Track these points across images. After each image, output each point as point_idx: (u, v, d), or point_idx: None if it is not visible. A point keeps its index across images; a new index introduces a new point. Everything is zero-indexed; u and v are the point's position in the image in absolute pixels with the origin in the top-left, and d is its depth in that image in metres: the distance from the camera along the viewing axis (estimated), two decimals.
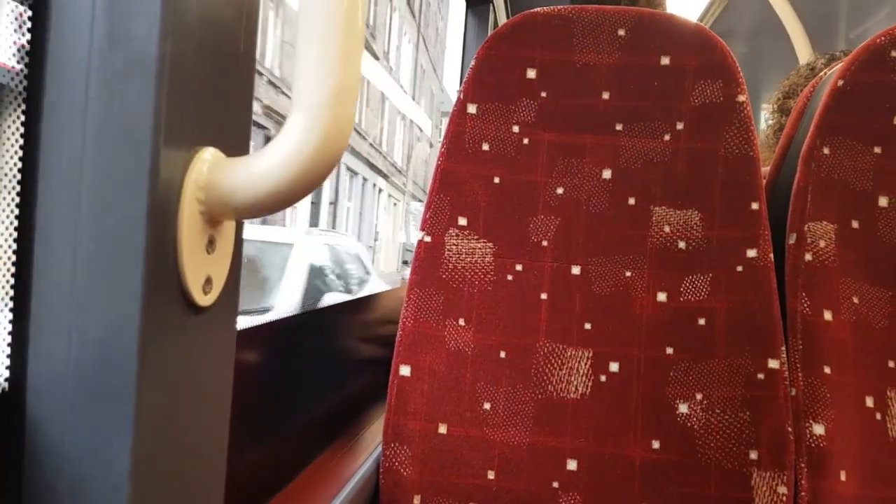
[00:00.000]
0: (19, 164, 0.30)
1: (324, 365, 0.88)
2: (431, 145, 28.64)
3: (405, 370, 0.82)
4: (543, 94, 0.83)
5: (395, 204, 23.67)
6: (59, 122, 0.30)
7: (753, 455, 0.78)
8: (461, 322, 0.83)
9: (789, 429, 0.78)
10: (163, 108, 0.30)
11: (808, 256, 0.83)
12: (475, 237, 0.84)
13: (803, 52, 2.09)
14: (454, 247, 0.84)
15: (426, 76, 27.87)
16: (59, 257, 0.30)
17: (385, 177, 21.14)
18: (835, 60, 1.42)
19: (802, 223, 0.84)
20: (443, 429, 0.81)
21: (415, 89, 25.42)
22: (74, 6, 0.30)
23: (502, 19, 1.96)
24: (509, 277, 0.83)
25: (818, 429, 0.79)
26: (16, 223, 0.30)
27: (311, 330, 0.84)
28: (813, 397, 0.80)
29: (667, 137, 0.82)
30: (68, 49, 0.30)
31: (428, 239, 0.84)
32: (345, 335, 0.98)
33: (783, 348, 0.80)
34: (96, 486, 0.30)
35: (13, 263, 0.31)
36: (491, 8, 1.83)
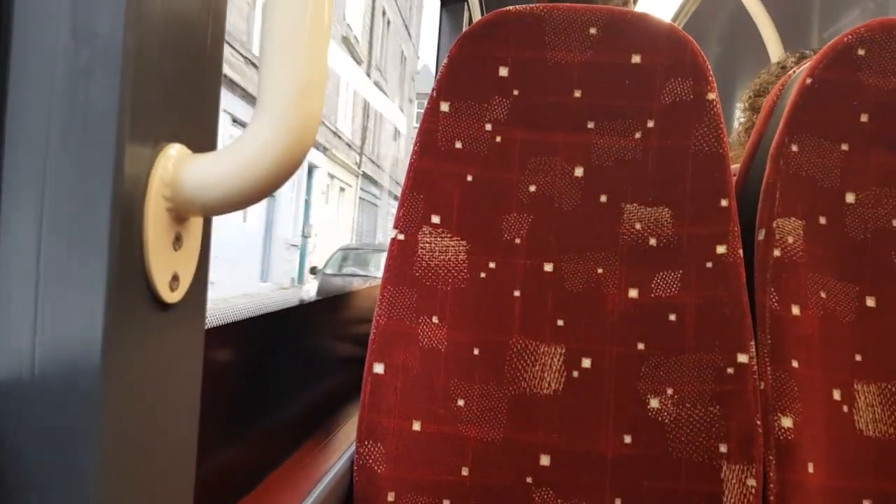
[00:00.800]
0: None
1: (296, 363, 0.87)
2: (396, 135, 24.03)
3: (379, 368, 0.82)
4: (516, 93, 0.84)
5: (342, 189, 18.46)
6: (22, 118, 0.30)
7: (723, 448, 0.80)
8: (434, 319, 0.83)
9: (758, 422, 0.80)
10: (128, 103, 0.29)
11: (776, 252, 0.85)
12: (448, 235, 0.84)
13: (775, 51, 2.12)
14: (427, 245, 0.84)
15: (392, 32, 22.02)
16: (21, 255, 0.30)
17: (323, 150, 16.29)
18: (805, 59, 1.44)
19: (771, 219, 0.85)
20: (416, 426, 0.81)
21: (371, 42, 19.55)
22: (38, 2, 0.30)
23: (477, 17, 1.97)
24: (482, 275, 0.84)
25: (786, 422, 0.81)
26: None
27: (284, 328, 0.84)
28: (781, 391, 0.82)
29: (637, 135, 0.83)
30: (32, 44, 0.30)
31: (401, 237, 0.84)
32: (318, 333, 0.98)
33: (752, 343, 0.81)
34: (63, 490, 0.30)
35: None
36: (465, 6, 1.84)
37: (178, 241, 0.34)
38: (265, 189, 0.32)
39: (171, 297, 0.33)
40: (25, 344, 0.30)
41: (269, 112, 0.32)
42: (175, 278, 0.34)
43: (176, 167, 0.32)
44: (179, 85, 0.34)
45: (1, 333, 0.30)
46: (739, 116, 1.60)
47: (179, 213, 0.33)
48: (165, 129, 0.32)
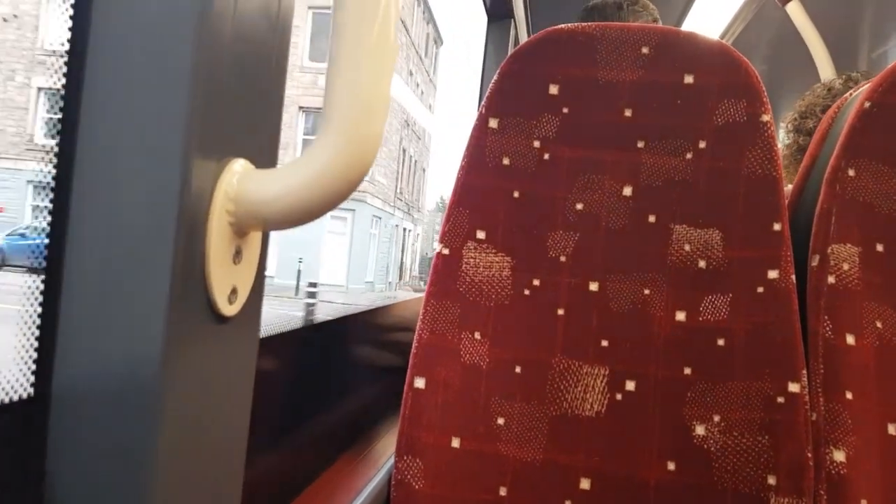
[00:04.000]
0: (53, 172, 0.31)
1: (338, 374, 0.88)
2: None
3: (420, 382, 0.82)
4: (565, 110, 0.83)
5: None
6: (93, 132, 0.31)
7: (771, 480, 0.77)
8: (477, 335, 0.83)
9: (809, 454, 0.77)
10: (195, 119, 0.30)
11: (830, 279, 0.82)
12: (493, 251, 0.84)
13: (825, 72, 2.08)
14: (472, 260, 0.84)
15: None
16: (88, 266, 0.31)
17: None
18: (851, 81, 1.41)
19: (826, 245, 0.83)
20: (456, 443, 0.81)
21: None
22: (112, 19, 0.30)
23: (523, 35, 1.97)
24: (526, 292, 0.83)
25: (839, 455, 0.78)
26: (48, 230, 0.31)
27: (326, 339, 0.84)
28: (834, 423, 0.79)
29: (689, 156, 0.82)
30: (105, 59, 0.30)
31: (446, 251, 0.84)
32: (359, 345, 0.98)
33: (804, 372, 0.79)
34: (120, 493, 0.30)
35: (43, 271, 0.31)
36: (512, 23, 1.84)
37: (237, 255, 0.34)
38: (325, 206, 0.33)
39: (230, 309, 0.34)
40: (88, 355, 0.31)
41: (332, 131, 0.32)
42: (234, 291, 0.34)
43: (240, 182, 0.32)
44: (244, 102, 0.34)
45: (65, 343, 0.31)
46: (783, 138, 1.57)
47: (241, 228, 0.33)
48: (230, 145, 0.33)
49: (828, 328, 0.81)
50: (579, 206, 0.83)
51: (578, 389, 0.81)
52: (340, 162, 0.32)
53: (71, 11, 0.30)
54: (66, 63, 0.31)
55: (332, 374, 0.85)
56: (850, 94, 0.96)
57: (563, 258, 0.83)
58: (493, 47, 1.82)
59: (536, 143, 0.84)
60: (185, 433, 0.32)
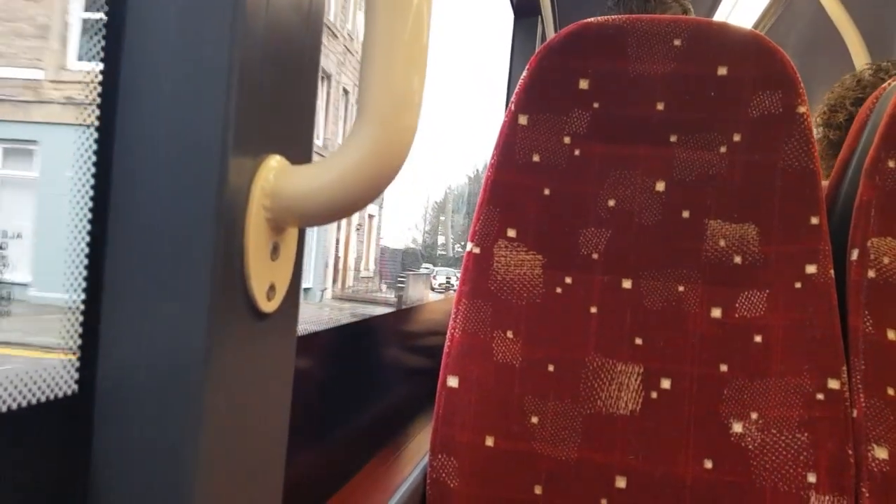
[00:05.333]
0: (93, 170, 0.31)
1: (371, 373, 0.88)
2: None
3: (453, 381, 0.82)
4: (596, 105, 0.82)
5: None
6: (131, 128, 0.31)
7: (811, 478, 0.76)
8: (509, 334, 0.82)
9: (850, 451, 0.75)
10: (232, 115, 0.30)
11: (870, 273, 0.80)
12: (524, 249, 0.83)
13: (861, 62, 2.03)
14: (503, 258, 0.83)
15: None
16: (129, 262, 0.31)
17: None
18: (882, 72, 1.37)
19: (865, 239, 0.81)
20: (490, 441, 0.80)
21: None
22: (148, 15, 0.31)
23: (550, 31, 1.96)
24: (558, 290, 0.82)
25: (881, 452, 0.76)
26: (88, 227, 0.31)
27: (360, 338, 0.84)
28: (875, 419, 0.77)
29: (723, 149, 0.81)
30: (142, 56, 0.31)
31: (477, 250, 0.83)
32: (391, 344, 0.98)
33: (844, 368, 0.77)
34: (163, 488, 0.30)
35: (85, 268, 0.31)
36: (539, 20, 1.83)
37: (275, 252, 0.34)
38: (361, 200, 0.33)
39: (268, 306, 0.34)
40: (131, 351, 0.31)
41: (367, 125, 0.32)
42: (272, 288, 0.34)
43: (276, 178, 0.32)
44: (279, 97, 0.34)
45: (107, 340, 0.31)
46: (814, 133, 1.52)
47: (278, 223, 0.33)
48: (266, 141, 0.33)
49: (868, 323, 0.79)
50: (611, 203, 0.82)
51: (612, 388, 0.80)
52: (375, 156, 0.32)
53: (106, 7, 0.31)
54: (102, 60, 0.31)
55: (366, 373, 0.86)
56: (889, 85, 0.94)
57: (595, 255, 0.82)
58: (520, 44, 1.81)
59: (567, 139, 0.83)
60: (227, 430, 0.32)
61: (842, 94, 1.47)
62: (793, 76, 0.79)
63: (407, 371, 1.04)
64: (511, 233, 0.83)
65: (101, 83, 0.31)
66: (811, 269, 0.78)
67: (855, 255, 0.81)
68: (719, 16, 2.30)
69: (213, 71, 0.30)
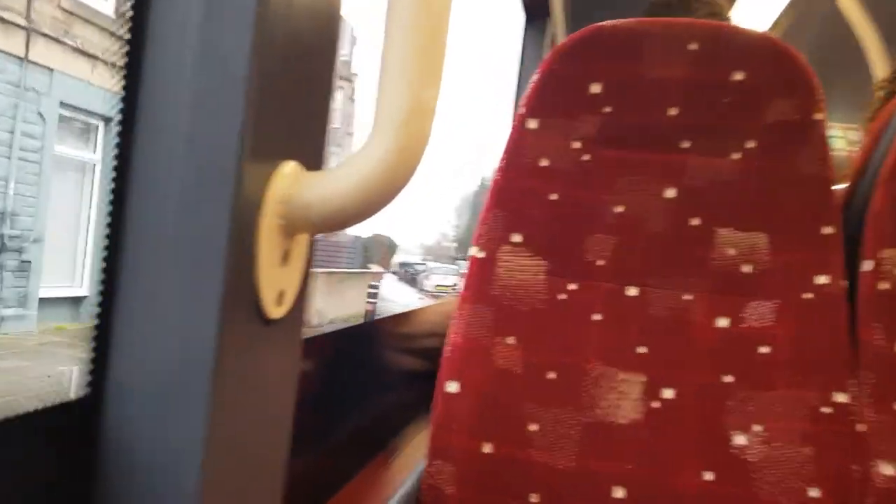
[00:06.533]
0: (113, 174, 0.31)
1: (369, 377, 0.88)
2: None
3: (452, 386, 0.81)
4: (607, 110, 0.82)
5: None
6: (151, 135, 0.31)
7: (814, 493, 0.75)
8: (510, 340, 0.82)
9: (855, 468, 0.75)
10: (250, 122, 0.30)
11: (883, 285, 0.79)
12: (528, 254, 0.83)
13: (879, 66, 2.01)
14: (507, 263, 0.83)
15: None
16: (143, 267, 0.31)
17: None
18: None
19: (879, 250, 0.80)
20: (487, 448, 0.80)
21: None
22: (170, 23, 0.31)
23: (560, 34, 1.95)
24: (562, 297, 0.82)
25: (888, 469, 0.76)
26: (107, 231, 0.31)
27: (358, 342, 0.84)
28: (883, 435, 0.76)
29: (736, 156, 0.80)
30: (162, 64, 0.31)
31: (481, 255, 0.83)
32: (389, 348, 0.98)
33: (852, 381, 0.76)
34: (168, 490, 0.31)
35: (102, 271, 0.31)
36: (548, 23, 1.83)
37: (285, 258, 0.34)
38: (374, 207, 0.33)
39: (277, 312, 0.34)
40: (141, 354, 0.31)
41: (382, 133, 0.32)
42: (281, 294, 0.34)
43: (290, 184, 0.32)
44: (295, 105, 0.34)
45: (119, 343, 0.31)
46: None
47: (290, 230, 0.33)
48: (281, 148, 0.33)
49: (879, 336, 0.78)
50: (619, 209, 0.82)
51: (613, 396, 0.80)
52: (388, 164, 0.32)
53: (131, 12, 0.31)
54: (125, 65, 0.31)
55: (362, 378, 0.86)
56: None
57: (600, 262, 0.82)
58: (530, 47, 1.80)
59: (576, 144, 0.83)
60: (232, 433, 0.33)
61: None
62: (811, 82, 0.78)
63: (405, 375, 1.04)
64: (516, 238, 0.83)
65: (123, 88, 0.32)
66: (822, 279, 0.78)
67: (868, 266, 0.81)
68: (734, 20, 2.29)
69: (232, 79, 0.30)
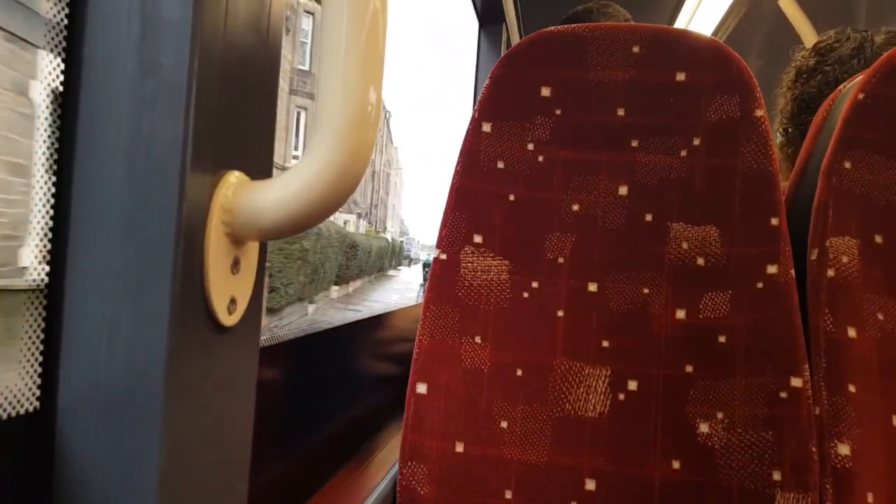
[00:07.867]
0: (53, 190, 0.31)
1: (339, 383, 0.88)
2: None
3: (422, 388, 0.82)
4: (558, 112, 0.84)
5: None
6: (91, 146, 0.31)
7: (777, 476, 0.77)
8: (477, 339, 0.83)
9: (813, 448, 0.77)
10: (191, 132, 0.30)
11: (830, 272, 0.82)
12: (491, 255, 0.84)
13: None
14: (470, 264, 0.84)
15: None
16: (90, 279, 0.31)
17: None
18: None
19: (824, 238, 0.83)
20: (459, 447, 0.81)
21: None
22: (108, 35, 0.31)
23: (515, 38, 1.98)
24: (525, 295, 0.83)
25: (843, 449, 0.78)
26: (49, 246, 0.31)
27: (327, 347, 0.84)
28: (837, 416, 0.79)
29: (683, 153, 0.82)
30: (101, 76, 0.31)
31: (444, 256, 0.84)
32: (360, 353, 0.98)
33: (806, 366, 0.79)
34: (126, 502, 0.31)
35: (46, 286, 0.31)
36: (504, 28, 1.85)
37: (235, 266, 0.34)
38: (320, 214, 0.33)
39: (229, 319, 0.34)
40: (91, 367, 0.31)
41: (323, 140, 0.32)
42: (233, 301, 0.34)
43: (235, 193, 0.33)
44: (237, 114, 0.35)
45: (68, 356, 0.31)
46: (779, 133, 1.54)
47: (238, 238, 0.34)
48: (225, 157, 0.33)
49: (829, 322, 0.81)
50: (575, 207, 0.84)
51: (581, 391, 0.81)
52: (332, 171, 0.32)
53: (66, 21, 0.31)
54: (62, 72, 0.31)
55: (334, 382, 0.86)
56: (844, 87, 0.97)
57: (560, 259, 0.83)
58: (485, 51, 1.82)
59: (530, 146, 0.84)
60: (189, 443, 0.33)
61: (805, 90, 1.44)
62: (749, 81, 0.82)
63: (376, 379, 1.04)
64: (477, 239, 0.84)
65: (61, 104, 0.32)
66: (772, 269, 0.80)
67: (814, 254, 0.84)
68: (680, 21, 2.34)
69: (171, 90, 0.30)
